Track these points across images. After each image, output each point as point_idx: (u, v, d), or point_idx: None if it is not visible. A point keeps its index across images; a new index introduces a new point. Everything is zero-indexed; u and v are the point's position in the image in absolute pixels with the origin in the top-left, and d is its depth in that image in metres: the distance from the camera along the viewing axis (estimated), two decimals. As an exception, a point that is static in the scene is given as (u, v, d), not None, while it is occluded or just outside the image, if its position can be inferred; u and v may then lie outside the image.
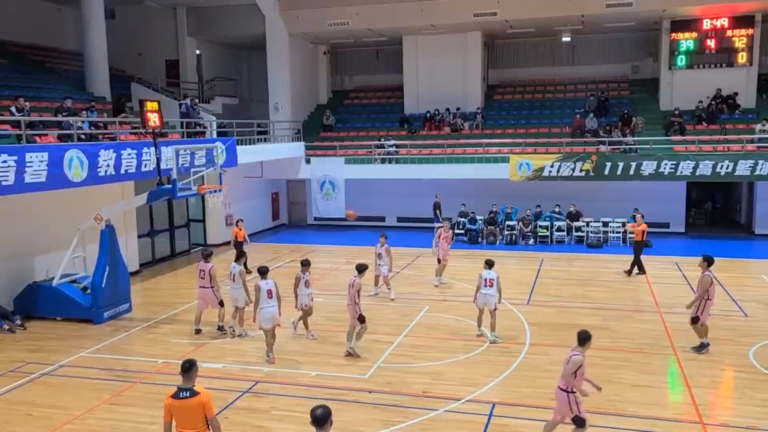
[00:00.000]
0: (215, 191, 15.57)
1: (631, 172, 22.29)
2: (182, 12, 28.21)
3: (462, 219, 24.55)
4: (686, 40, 25.18)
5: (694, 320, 11.92)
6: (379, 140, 26.32)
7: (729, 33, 24.69)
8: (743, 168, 21.35)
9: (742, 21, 24.46)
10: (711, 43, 24.90)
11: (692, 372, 11.15)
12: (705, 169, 21.64)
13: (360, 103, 31.23)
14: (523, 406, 9.94)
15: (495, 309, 12.93)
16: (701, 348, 11.99)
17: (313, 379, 11.26)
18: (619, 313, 14.75)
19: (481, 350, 12.43)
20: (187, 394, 6.74)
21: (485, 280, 12.95)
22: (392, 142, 26.03)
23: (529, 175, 23.28)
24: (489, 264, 13.17)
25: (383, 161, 25.71)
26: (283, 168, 26.09)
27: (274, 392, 10.78)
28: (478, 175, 24.13)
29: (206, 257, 13.64)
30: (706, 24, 24.77)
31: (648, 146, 23.19)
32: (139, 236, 20.15)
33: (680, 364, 11.55)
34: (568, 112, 26.76)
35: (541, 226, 23.82)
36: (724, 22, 24.57)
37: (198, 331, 13.79)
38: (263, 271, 12.31)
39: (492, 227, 23.98)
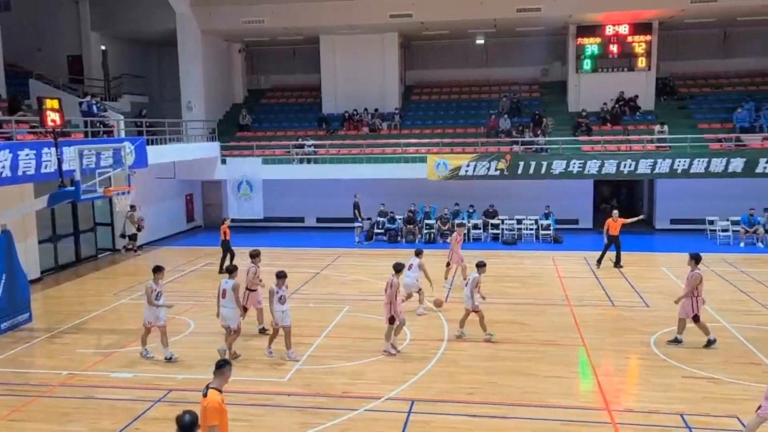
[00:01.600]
0: (123, 193, 14.91)
1: (543, 171, 23.11)
2: (85, 5, 26.86)
3: (381, 218, 24.68)
4: (591, 45, 26.37)
5: (696, 319, 12.21)
6: (297, 140, 26.05)
7: (630, 39, 26.06)
8: (644, 166, 22.57)
9: (641, 28, 25.87)
10: (614, 48, 26.20)
11: (599, 361, 11.67)
12: (610, 167, 22.72)
13: (277, 103, 30.80)
14: (442, 402, 10.07)
15: (418, 291, 14.41)
16: (709, 344, 12.13)
17: (230, 384, 10.92)
18: (533, 308, 15.23)
19: (401, 348, 12.49)
20: (204, 392, 6.46)
21: (408, 265, 14.27)
22: (311, 142, 25.82)
23: (446, 174, 23.70)
24: (417, 253, 14.99)
25: (301, 161, 25.46)
26: (197, 169, 25.35)
27: (189, 400, 10.38)
28: (396, 175, 24.33)
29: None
30: (609, 30, 26.04)
31: (558, 146, 24.11)
32: (40, 241, 19.02)
33: (589, 354, 12.05)
34: (483, 113, 27.43)
35: (458, 225, 24.22)
36: (625, 28, 25.91)
37: (263, 330, 13.54)
38: (230, 270, 12.23)
39: (411, 226, 24.23)
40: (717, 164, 22.08)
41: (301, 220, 27.34)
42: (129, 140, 18.44)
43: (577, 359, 11.99)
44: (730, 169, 22.04)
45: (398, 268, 12.62)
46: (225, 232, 19.10)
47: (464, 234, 23.71)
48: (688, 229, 24.36)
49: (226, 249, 19.10)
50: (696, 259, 12.36)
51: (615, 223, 19.12)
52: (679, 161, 22.29)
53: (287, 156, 25.62)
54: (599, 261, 19.36)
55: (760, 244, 21.73)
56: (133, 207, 20.84)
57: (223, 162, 25.71)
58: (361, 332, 13.64)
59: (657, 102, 26.85)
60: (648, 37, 25.91)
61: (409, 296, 14.94)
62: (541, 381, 10.81)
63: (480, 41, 29.19)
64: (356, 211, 23.84)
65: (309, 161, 25.44)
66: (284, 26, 26.09)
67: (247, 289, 13.26)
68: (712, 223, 23.18)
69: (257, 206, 25.52)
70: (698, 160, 22.19)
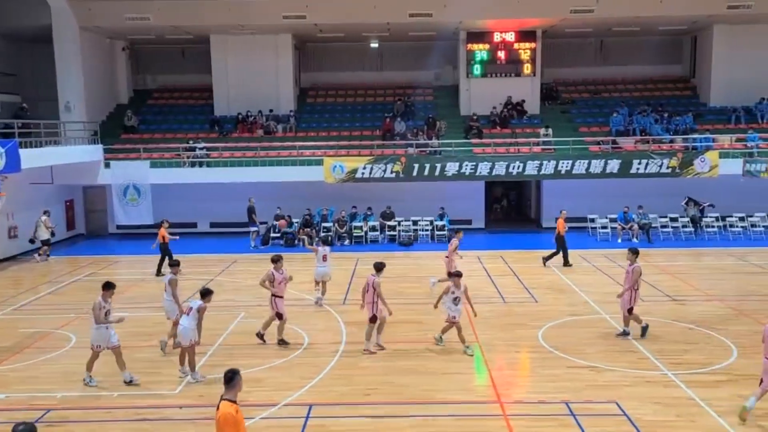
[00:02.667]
0: (-7, 199, 13.76)
1: (437, 172, 23.65)
2: (-54, -3, 24.66)
3: (277, 222, 24.29)
4: (480, 51, 27.36)
5: (630, 311, 12.69)
6: (188, 143, 25.13)
7: (516, 46, 27.28)
8: (531, 168, 23.65)
9: (526, 35, 27.14)
10: (501, 55, 27.31)
11: (492, 356, 12.05)
12: (500, 169, 23.62)
13: (165, 104, 29.62)
14: (340, 405, 10.02)
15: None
16: (644, 332, 12.73)
17: (116, 400, 10.38)
18: (429, 307, 15.41)
19: (298, 353, 12.34)
20: (218, 404, 6.31)
21: (322, 256, 15.54)
22: (202, 144, 25.00)
23: (343, 177, 23.72)
24: (325, 241, 16.60)
25: (193, 164, 24.58)
26: (78, 173, 23.84)
27: (70, 419, 9.75)
28: (292, 178, 24.06)
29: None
30: (497, 37, 27.13)
31: (451, 148, 24.78)
32: None
33: (482, 350, 12.42)
34: (378, 116, 27.71)
35: (356, 227, 24.36)
36: (511, 36, 27.09)
37: (282, 342, 12.76)
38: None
39: (308, 229, 24.03)
40: (596, 165, 23.51)
41: (194, 225, 26.38)
42: (-1, 143, 17.08)
43: (471, 355, 12.31)
44: (608, 170, 23.53)
45: (379, 267, 12.50)
46: (163, 236, 18.66)
47: (349, 236, 23.94)
48: (572, 227, 25.68)
49: (164, 251, 18.69)
50: (635, 252, 12.94)
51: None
52: (563, 163, 23.53)
53: (177, 159, 24.66)
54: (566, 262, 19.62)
55: (635, 240, 23.32)
56: (46, 212, 21.95)
57: (107, 166, 24.37)
58: (257, 338, 13.31)
59: (542, 106, 28.27)
60: (533, 45, 27.22)
61: (318, 284, 15.93)
62: (436, 378, 11.01)
63: (374, 45, 29.52)
64: (251, 216, 23.34)
65: (201, 164, 24.61)
66: (171, 24, 25.13)
67: (273, 296, 12.58)
68: (592, 221, 24.65)
69: (146, 211, 24.36)
70: (579, 162, 23.52)
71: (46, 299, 16.81)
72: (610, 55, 30.34)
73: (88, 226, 26.95)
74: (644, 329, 12.87)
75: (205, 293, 11.12)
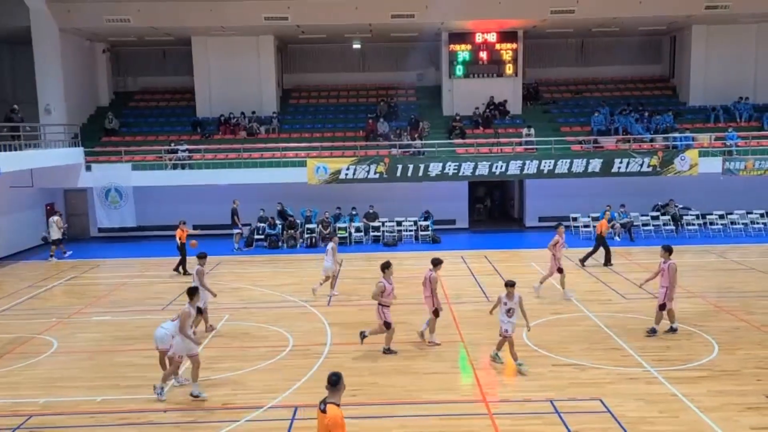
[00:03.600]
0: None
1: (420, 173, 23.70)
2: None
3: (261, 224, 24.21)
4: (463, 52, 27.46)
5: (662, 307, 12.75)
6: (170, 145, 24.95)
7: (498, 47, 27.41)
8: (514, 168, 23.77)
9: (507, 36, 27.29)
10: (483, 55, 27.44)
11: (477, 356, 12.10)
12: (483, 169, 23.71)
13: (147, 106, 29.39)
14: (325, 406, 9.99)
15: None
16: (673, 331, 12.79)
17: (99, 405, 10.28)
18: (414, 307, 15.49)
19: (283, 355, 12.31)
20: (322, 407, 6.28)
21: (327, 250, 16.21)
22: (185, 146, 24.83)
23: (327, 178, 23.68)
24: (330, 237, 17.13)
25: (175, 167, 24.41)
26: (58, 176, 23.59)
27: (53, 425, 9.65)
28: (275, 180, 23.97)
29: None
30: (479, 38, 27.25)
31: (434, 149, 24.84)
32: None
33: (467, 349, 12.47)
34: (361, 117, 27.71)
35: (340, 228, 24.33)
36: (493, 36, 27.23)
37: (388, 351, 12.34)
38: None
39: (292, 231, 23.96)
40: (578, 165, 23.70)
41: (176, 227, 26.12)
42: (-23, 146, 16.83)
43: (456, 355, 12.36)
44: (590, 169, 23.73)
45: (436, 263, 12.41)
46: (180, 236, 18.99)
47: (341, 238, 23.92)
48: (555, 226, 25.87)
49: (183, 251, 19.11)
50: (669, 250, 12.88)
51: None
52: (545, 162, 23.69)
53: (159, 161, 24.47)
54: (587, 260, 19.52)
55: (617, 238, 23.55)
56: (57, 212, 22.72)
57: (88, 169, 24.12)
58: (242, 341, 13.28)
59: (524, 107, 28.45)
60: (514, 45, 27.37)
61: (327, 278, 16.28)
62: (421, 379, 11.04)
63: (357, 46, 29.52)
64: (235, 218, 23.22)
65: (183, 167, 24.44)
66: (152, 26, 24.94)
67: (380, 305, 12.09)
68: (575, 219, 24.84)
69: (128, 214, 24.19)
70: (562, 161, 23.70)
71: (27, 304, 16.61)
72: (591, 56, 30.63)
73: (69, 229, 26.56)
74: (653, 330, 12.90)
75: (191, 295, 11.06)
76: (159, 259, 21.98)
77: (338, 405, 6.40)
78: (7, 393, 10.81)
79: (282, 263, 21.01)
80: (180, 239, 19.23)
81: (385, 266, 12.27)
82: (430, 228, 24.44)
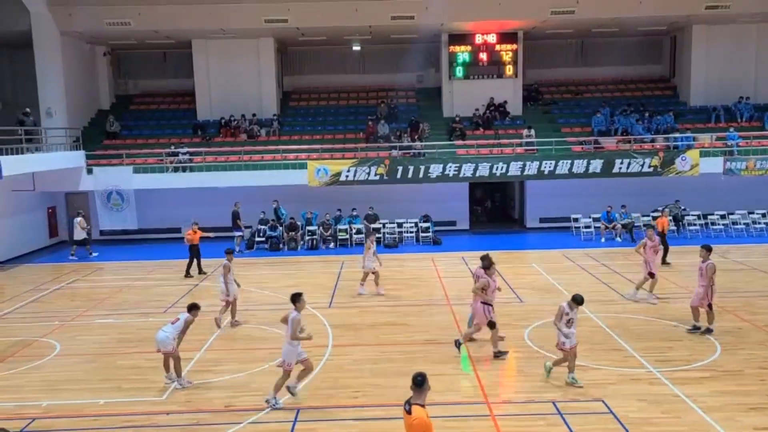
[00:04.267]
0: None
1: (421, 175, 23.70)
2: None
3: (262, 226, 24.22)
4: (462, 53, 27.47)
5: (710, 307, 12.80)
6: (171, 148, 24.98)
7: (497, 48, 27.41)
8: (515, 169, 23.77)
9: (507, 37, 27.28)
10: (483, 56, 27.44)
11: (478, 357, 12.10)
12: (483, 170, 23.71)
13: (148, 109, 29.42)
14: (327, 408, 10.02)
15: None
16: (709, 332, 12.78)
17: (102, 407, 10.30)
18: (415, 309, 15.55)
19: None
20: (407, 408, 6.33)
21: (367, 246, 16.56)
22: (185, 149, 24.85)
23: (327, 180, 23.70)
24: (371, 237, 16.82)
25: (176, 170, 24.43)
26: (60, 179, 23.58)
27: (56, 428, 9.65)
28: (276, 182, 23.97)
29: (486, 268, 12.25)
30: (479, 39, 27.25)
31: (434, 150, 24.84)
32: None
33: (469, 350, 12.46)
34: (361, 119, 27.72)
35: (340, 230, 24.34)
36: (493, 37, 27.23)
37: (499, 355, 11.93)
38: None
39: (293, 233, 23.97)
40: (579, 165, 23.68)
41: (178, 230, 26.16)
42: (-22, 150, 16.87)
43: (457, 356, 12.34)
44: (591, 169, 23.72)
45: (486, 265, 12.19)
46: (192, 238, 19.28)
47: (334, 239, 23.90)
48: (556, 227, 25.96)
49: (195, 252, 19.51)
50: (709, 249, 12.94)
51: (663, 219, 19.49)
52: (546, 163, 23.67)
53: (160, 164, 24.49)
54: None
55: (618, 239, 23.55)
56: (80, 213, 23.00)
57: (90, 172, 24.14)
58: (244, 343, 13.30)
59: (524, 107, 28.43)
60: (514, 46, 27.38)
61: (366, 275, 16.67)
62: (423, 380, 11.02)
63: (357, 48, 29.55)
64: (236, 220, 23.25)
65: (184, 169, 24.47)
66: (152, 29, 24.98)
67: (483, 303, 11.90)
68: (576, 220, 24.83)
69: (130, 217, 24.23)
70: (562, 162, 23.69)
71: (29, 307, 16.63)
72: (591, 56, 30.63)
73: (70, 233, 26.60)
74: (709, 330, 12.89)
75: (192, 307, 11.13)
76: (161, 261, 22.01)
77: (423, 406, 6.40)
78: (10, 396, 10.82)
79: (283, 265, 21.01)
80: (191, 241, 19.40)
81: (489, 261, 11.95)
82: (430, 230, 24.43)
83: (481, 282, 11.90)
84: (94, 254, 23.19)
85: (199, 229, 19.75)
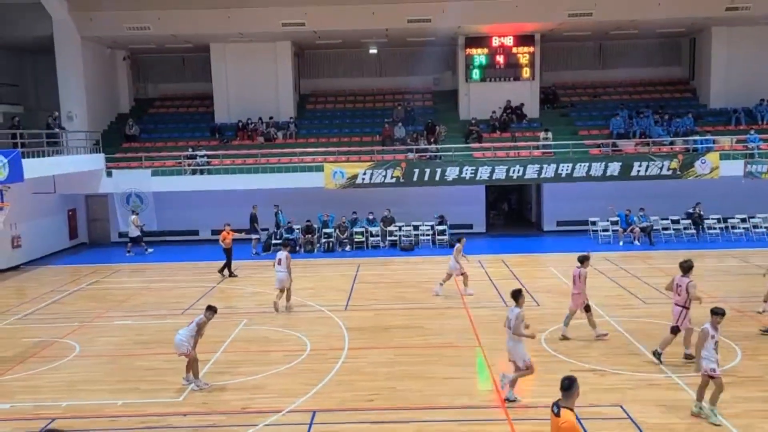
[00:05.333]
0: (-4, 209, 13.82)
1: (437, 177, 23.68)
2: (-50, 9, 24.76)
3: (279, 229, 24.32)
4: (479, 56, 27.41)
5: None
6: (189, 151, 25.20)
7: (514, 50, 27.32)
8: (531, 172, 23.66)
9: (524, 40, 27.18)
10: (500, 59, 27.36)
11: (495, 360, 12.03)
12: (500, 173, 23.62)
13: (167, 112, 29.70)
14: (343, 411, 10.02)
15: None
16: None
17: (120, 408, 10.40)
18: (430, 312, 15.52)
19: (301, 359, 12.35)
20: (555, 410, 6.37)
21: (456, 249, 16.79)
22: (203, 152, 25.06)
23: (344, 182, 23.75)
24: (459, 239, 17.21)
25: (194, 172, 24.64)
26: (80, 182, 23.88)
27: (75, 428, 9.75)
28: (293, 184, 24.10)
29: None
30: (495, 41, 27.17)
31: (450, 153, 24.79)
32: None
33: (485, 354, 12.42)
34: (378, 122, 27.76)
35: (357, 232, 24.38)
36: (509, 40, 27.13)
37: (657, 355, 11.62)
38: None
39: (309, 236, 24.05)
40: (597, 168, 23.51)
41: (196, 233, 26.45)
42: (1, 153, 17.14)
43: (473, 360, 12.31)
44: (609, 172, 23.54)
45: (582, 259, 12.82)
46: (225, 238, 19.52)
47: (350, 242, 23.92)
48: (573, 230, 25.77)
49: (228, 254, 19.75)
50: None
51: None
52: (563, 166, 23.54)
53: (178, 167, 24.72)
54: None
55: (636, 242, 23.32)
56: (134, 211, 23.75)
57: (109, 175, 24.42)
58: (260, 345, 13.36)
59: (541, 110, 28.29)
60: (531, 49, 27.26)
61: (450, 276, 16.93)
62: (439, 383, 11.01)
63: (373, 51, 29.61)
64: (254, 225, 23.38)
65: (202, 172, 24.67)
66: (171, 33, 25.25)
67: (683, 307, 11.52)
68: (594, 224, 24.63)
69: (149, 218, 24.51)
70: (580, 165, 23.52)
71: (49, 308, 16.85)
72: (609, 58, 30.40)
73: (90, 235, 26.99)
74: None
75: (207, 309, 11.18)
76: (178, 263, 22.20)
77: (572, 409, 6.40)
78: (30, 396, 10.97)
79: (299, 268, 21.01)
80: (225, 242, 19.60)
81: (688, 267, 11.57)
82: (446, 233, 24.36)
83: (583, 277, 12.69)
84: (150, 251, 23.93)
85: (232, 230, 20.02)
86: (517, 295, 10.45)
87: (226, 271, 19.87)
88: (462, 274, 16.93)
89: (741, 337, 12.85)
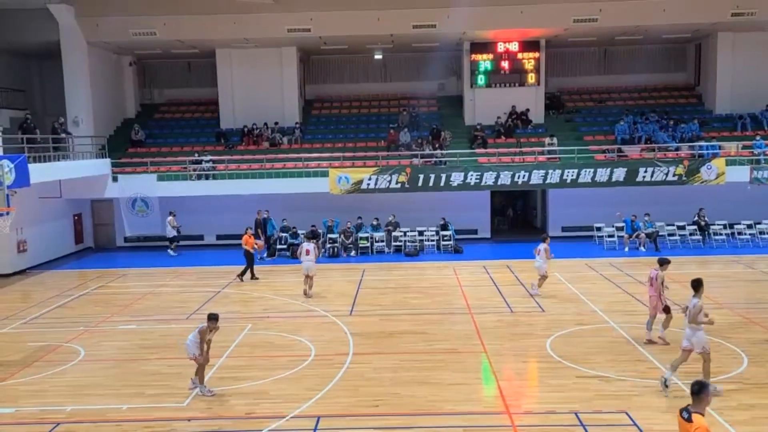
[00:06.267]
0: (2, 214, 13.89)
1: (442, 183, 23.67)
2: (-42, 15, 24.93)
3: (284, 234, 24.35)
4: (484, 61, 27.43)
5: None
6: (195, 156, 25.27)
7: (519, 56, 27.34)
8: (536, 177, 23.64)
9: (529, 45, 27.20)
10: (505, 65, 27.38)
11: (500, 367, 12.00)
12: (505, 178, 23.60)
13: (172, 118, 29.81)
14: (348, 416, 10.00)
15: None
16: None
17: (125, 413, 10.40)
18: (435, 317, 15.49)
19: (305, 365, 12.34)
20: (685, 416, 6.27)
21: (536, 250, 17.39)
22: (208, 157, 25.13)
23: (349, 188, 23.78)
24: (543, 239, 17.48)
25: (199, 177, 24.70)
26: (86, 187, 23.99)
27: (79, 433, 9.77)
28: (298, 189, 24.12)
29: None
30: (500, 47, 27.20)
31: (456, 159, 24.80)
32: None
33: (490, 360, 12.38)
34: (383, 127, 27.80)
35: (361, 238, 24.37)
36: (515, 46, 27.16)
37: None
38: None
39: (314, 241, 23.97)
40: (602, 174, 23.48)
41: (201, 237, 26.49)
42: (8, 158, 17.22)
43: (478, 366, 12.28)
44: (614, 178, 23.50)
45: (662, 262, 13.07)
46: (246, 242, 19.66)
47: (355, 247, 23.91)
48: (578, 236, 25.71)
49: (250, 258, 19.89)
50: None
51: None
52: (568, 172, 23.50)
53: (184, 172, 24.79)
54: None
55: (642, 248, 23.24)
56: (171, 213, 24.30)
57: (115, 179, 24.51)
58: (265, 350, 13.35)
59: (546, 116, 28.29)
60: (536, 54, 27.28)
61: (543, 278, 17.38)
62: (443, 389, 10.98)
63: (378, 56, 29.69)
64: (258, 230, 23.39)
65: (207, 177, 24.73)
66: (177, 39, 25.35)
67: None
68: (599, 229, 24.56)
69: (154, 223, 24.56)
70: (585, 171, 23.50)
71: (55, 313, 16.89)
72: (614, 64, 30.40)
73: (96, 239, 27.07)
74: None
75: (208, 318, 11.07)
76: (183, 268, 22.24)
77: (702, 414, 6.31)
78: (35, 401, 10.98)
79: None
80: (247, 246, 19.70)
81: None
82: (452, 238, 24.33)
83: (659, 279, 12.94)
84: (173, 254, 24.41)
85: (252, 234, 20.34)
86: (697, 285, 10.61)
87: (247, 275, 19.95)
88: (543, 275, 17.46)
89: (747, 343, 12.79)
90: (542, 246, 17.25)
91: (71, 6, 24.17)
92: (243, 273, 19.92)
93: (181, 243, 25.88)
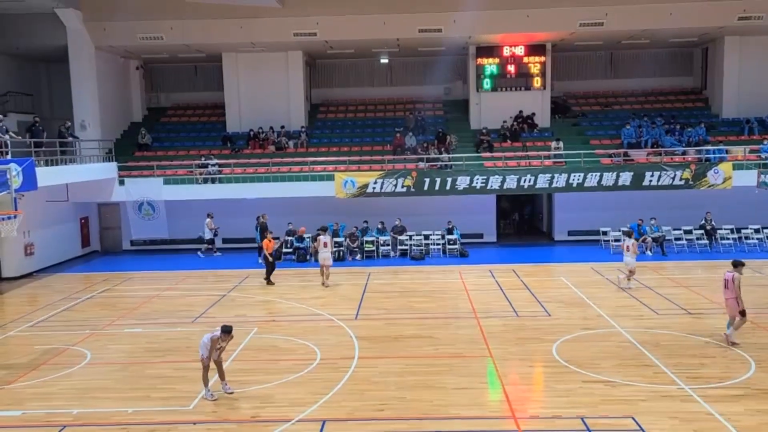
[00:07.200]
0: (9, 217, 13.94)
1: (448, 187, 23.65)
2: (-33, 19, 25.12)
3: (290, 237, 24.38)
4: (490, 65, 27.41)
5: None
6: (201, 159, 25.34)
7: (525, 60, 27.30)
8: (542, 181, 23.58)
9: (535, 49, 27.17)
10: (511, 69, 27.35)
11: (505, 371, 11.97)
12: (511, 182, 23.56)
13: (179, 121, 29.91)
14: (353, 420, 9.99)
15: None
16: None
17: (130, 416, 10.42)
18: (441, 321, 15.47)
19: (311, 368, 12.34)
20: None
21: (625, 247, 17.99)
22: (215, 161, 25.19)
23: (354, 191, 23.79)
24: (629, 234, 18.36)
25: (206, 181, 24.77)
26: (93, 190, 24.06)
27: (85, 436, 9.80)
28: (303, 193, 24.15)
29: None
30: (506, 51, 27.17)
31: (461, 162, 24.77)
32: None
33: (495, 364, 12.35)
34: (388, 131, 27.81)
35: (367, 242, 24.37)
36: (521, 49, 27.13)
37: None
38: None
39: (315, 244, 23.97)
40: (608, 178, 23.39)
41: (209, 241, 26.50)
42: (15, 161, 17.31)
43: (484, 370, 12.24)
44: (620, 182, 23.41)
45: (737, 264, 13.05)
46: (266, 246, 19.97)
47: (360, 251, 23.91)
48: (584, 240, 25.65)
49: (270, 263, 20.06)
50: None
51: None
52: (574, 176, 23.44)
53: (190, 176, 24.86)
54: None
55: (648, 253, 23.15)
56: (209, 215, 24.56)
57: (121, 183, 24.59)
58: (270, 354, 13.36)
59: (552, 120, 28.23)
60: (542, 58, 27.25)
61: (631, 272, 17.94)
62: (449, 393, 10.95)
63: (384, 60, 29.74)
64: (263, 232, 23.37)
65: (213, 181, 24.80)
66: (184, 43, 25.46)
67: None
68: (605, 233, 24.49)
69: (161, 227, 24.63)
70: (591, 175, 23.42)
71: (61, 316, 16.95)
72: (620, 68, 30.33)
73: (102, 243, 27.16)
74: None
75: (223, 329, 11.04)
76: (189, 272, 22.28)
77: None
78: (42, 403, 11.01)
79: (310, 276, 21.08)
80: (268, 250, 19.88)
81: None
82: (457, 242, 24.30)
83: (736, 281, 12.88)
84: (202, 256, 24.68)
85: (273, 238, 20.50)
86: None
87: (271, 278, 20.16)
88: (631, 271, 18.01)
89: (755, 348, 12.71)
90: (630, 242, 17.86)
91: (79, 11, 24.29)
92: (268, 275, 20.05)
93: (185, 247, 25.97)
